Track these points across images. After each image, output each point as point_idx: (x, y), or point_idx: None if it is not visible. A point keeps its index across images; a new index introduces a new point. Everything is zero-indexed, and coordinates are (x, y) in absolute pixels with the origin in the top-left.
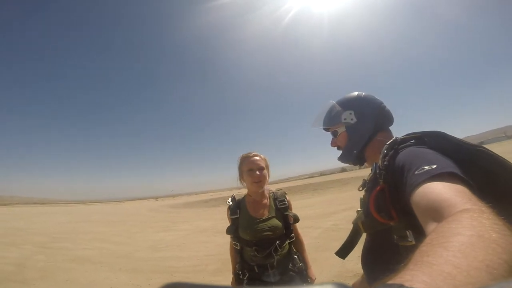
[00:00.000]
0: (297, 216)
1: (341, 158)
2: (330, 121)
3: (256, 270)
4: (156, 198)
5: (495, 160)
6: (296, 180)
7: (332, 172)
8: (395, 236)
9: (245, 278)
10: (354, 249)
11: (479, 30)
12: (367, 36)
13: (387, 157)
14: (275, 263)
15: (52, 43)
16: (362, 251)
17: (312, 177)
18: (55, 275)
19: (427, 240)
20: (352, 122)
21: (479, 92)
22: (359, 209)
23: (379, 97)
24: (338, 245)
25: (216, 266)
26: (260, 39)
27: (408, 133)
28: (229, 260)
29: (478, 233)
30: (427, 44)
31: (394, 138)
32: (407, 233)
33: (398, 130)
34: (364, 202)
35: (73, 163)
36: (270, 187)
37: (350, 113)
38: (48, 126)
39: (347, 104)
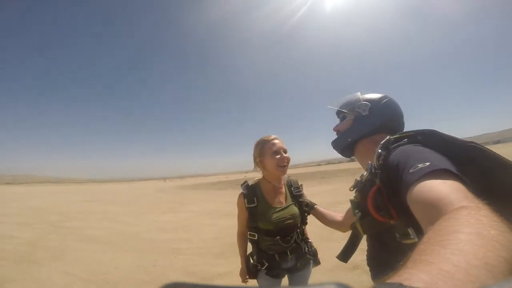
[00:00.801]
0: (313, 204)
1: (334, 142)
2: (346, 105)
3: (277, 258)
4: (164, 178)
5: (488, 156)
6: (304, 167)
7: (339, 161)
8: (397, 235)
9: (263, 268)
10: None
11: (501, 28)
12: (378, 34)
13: (381, 156)
14: (298, 248)
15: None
16: (367, 253)
17: (320, 165)
18: (65, 255)
19: (425, 238)
20: (363, 113)
21: (499, 90)
22: (356, 211)
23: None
24: (341, 235)
25: (220, 249)
26: (267, 34)
27: (401, 132)
28: (233, 244)
29: (477, 230)
30: (449, 42)
31: (388, 137)
32: (409, 230)
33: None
34: (356, 203)
35: (86, 143)
36: None
37: (366, 105)
38: (63, 107)
39: (369, 98)
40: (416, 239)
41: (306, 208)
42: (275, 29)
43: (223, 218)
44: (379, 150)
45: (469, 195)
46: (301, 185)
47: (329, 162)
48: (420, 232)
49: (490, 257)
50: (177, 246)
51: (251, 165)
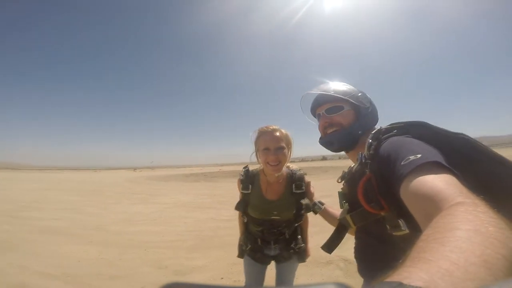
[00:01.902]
0: (310, 206)
1: (339, 135)
2: (344, 93)
3: (259, 243)
4: (134, 168)
5: (478, 149)
6: None
7: (313, 159)
8: (387, 226)
9: (247, 249)
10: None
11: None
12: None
13: (372, 146)
14: (283, 242)
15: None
16: (355, 245)
17: (294, 162)
18: (20, 247)
19: (423, 236)
20: (365, 106)
21: (471, 100)
22: (344, 201)
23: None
24: (316, 230)
25: (194, 242)
26: (261, 35)
27: (392, 123)
28: (208, 237)
29: (475, 227)
30: (460, 48)
31: (379, 128)
32: (399, 222)
33: None
34: (344, 195)
35: (47, 127)
36: (290, 165)
37: (366, 98)
38: (21, 87)
39: (359, 90)
40: (407, 231)
41: (307, 209)
42: (272, 30)
43: (197, 211)
44: (370, 140)
45: (464, 190)
46: (309, 182)
47: (302, 160)
48: (411, 223)
49: (488, 254)
50: (147, 239)
51: (225, 158)
